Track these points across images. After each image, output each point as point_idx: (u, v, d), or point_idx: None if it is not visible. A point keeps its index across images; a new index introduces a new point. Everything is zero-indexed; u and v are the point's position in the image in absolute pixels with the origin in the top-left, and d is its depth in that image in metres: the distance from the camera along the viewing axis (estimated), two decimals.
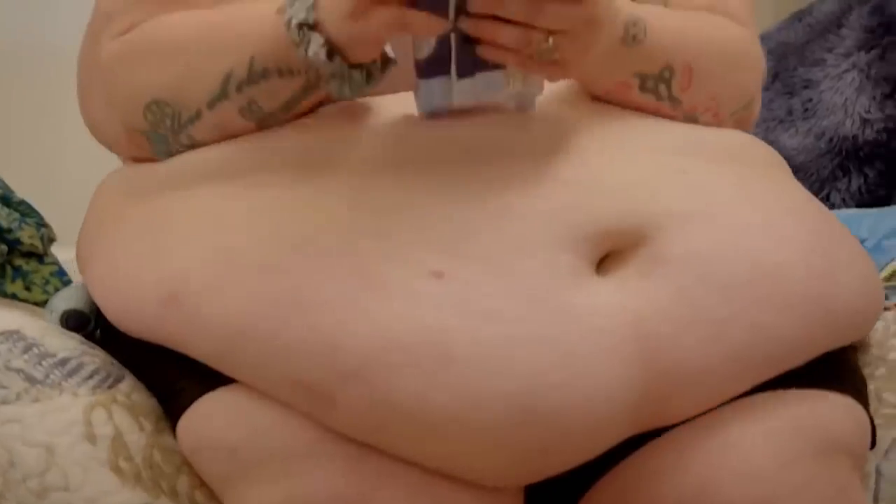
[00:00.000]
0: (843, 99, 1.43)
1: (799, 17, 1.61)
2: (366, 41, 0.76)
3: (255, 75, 0.80)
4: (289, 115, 0.82)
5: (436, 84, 0.77)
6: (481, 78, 0.78)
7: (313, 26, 0.76)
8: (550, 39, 0.75)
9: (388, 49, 0.79)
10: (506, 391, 0.70)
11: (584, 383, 0.71)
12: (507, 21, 0.73)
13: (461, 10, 0.73)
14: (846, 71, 1.45)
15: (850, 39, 1.48)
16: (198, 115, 0.83)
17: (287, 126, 0.83)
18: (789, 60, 1.46)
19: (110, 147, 0.91)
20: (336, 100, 0.81)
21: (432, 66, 0.77)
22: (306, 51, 0.76)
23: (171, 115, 0.84)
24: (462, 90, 0.78)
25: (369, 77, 0.78)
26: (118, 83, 0.87)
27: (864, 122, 1.41)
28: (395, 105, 0.81)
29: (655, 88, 0.87)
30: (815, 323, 0.78)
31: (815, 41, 1.52)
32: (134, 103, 0.85)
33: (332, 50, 0.76)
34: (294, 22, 0.76)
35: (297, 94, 0.81)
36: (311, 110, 0.84)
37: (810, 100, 1.46)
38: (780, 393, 0.77)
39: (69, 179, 1.26)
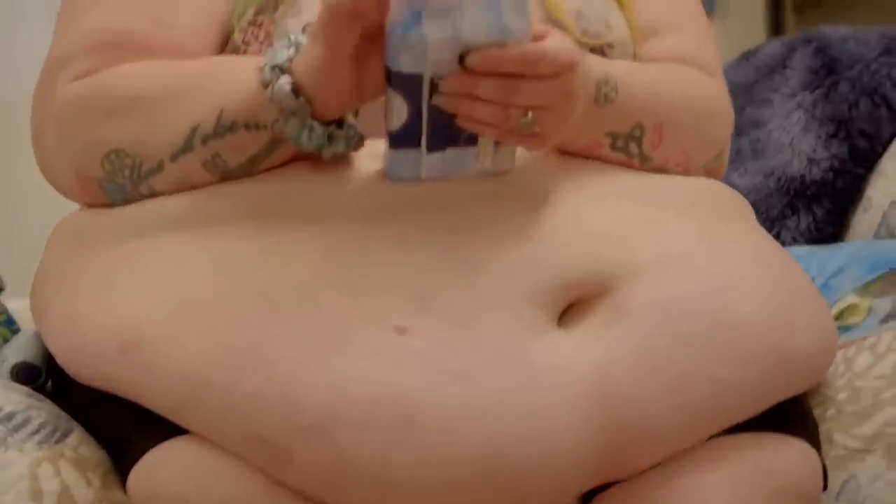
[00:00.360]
0: (790, 138, 1.44)
1: (746, 57, 1.64)
2: (332, 88, 0.75)
3: (223, 128, 0.80)
4: (251, 171, 0.81)
5: (405, 155, 0.77)
6: (451, 154, 0.77)
7: (285, 70, 0.76)
8: (529, 114, 0.74)
9: (351, 118, 0.79)
10: (469, 450, 0.70)
11: (546, 440, 0.71)
12: (487, 100, 0.73)
13: (435, 86, 0.73)
14: (792, 111, 1.46)
15: (794, 80, 1.50)
16: (159, 167, 0.82)
17: (259, 176, 0.82)
18: (738, 100, 1.47)
19: (63, 192, 0.90)
20: (296, 154, 0.80)
21: (403, 138, 0.76)
22: (273, 90, 0.76)
23: (130, 165, 0.83)
24: (431, 164, 0.77)
25: (331, 139, 0.77)
26: (74, 130, 0.85)
27: (811, 161, 1.42)
28: (362, 154, 0.81)
29: (626, 147, 0.87)
30: (774, 374, 0.78)
31: (761, 81, 1.54)
32: (91, 152, 0.84)
33: (298, 91, 0.75)
34: (269, 65, 0.76)
35: (262, 150, 0.80)
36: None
37: (758, 139, 1.48)
38: (736, 438, 0.77)
39: (19, 229, 1.24)
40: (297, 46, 0.77)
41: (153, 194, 0.83)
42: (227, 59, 0.86)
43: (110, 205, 0.86)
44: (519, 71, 0.72)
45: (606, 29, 0.90)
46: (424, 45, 0.71)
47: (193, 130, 0.80)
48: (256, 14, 0.86)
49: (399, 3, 0.71)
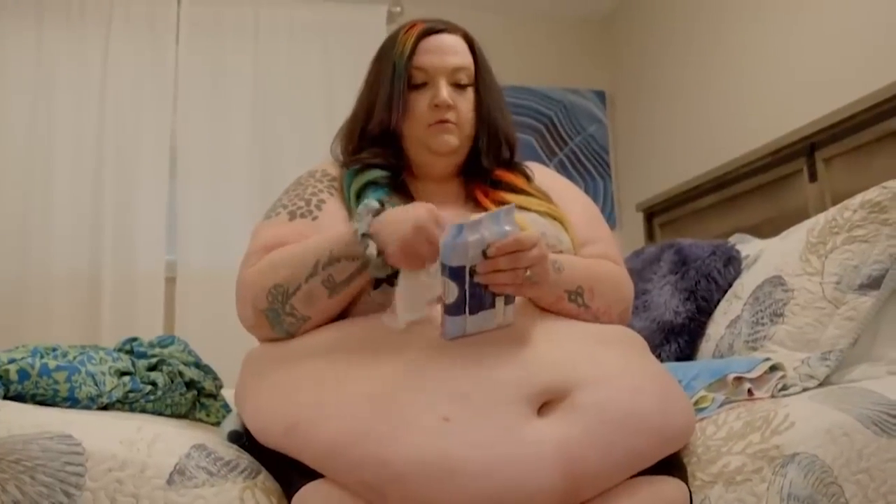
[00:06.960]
0: (664, 300, 1.44)
1: (636, 254, 1.66)
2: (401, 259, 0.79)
3: (333, 259, 0.83)
4: (348, 287, 0.84)
5: (457, 319, 0.77)
6: (482, 314, 0.78)
7: (370, 235, 0.81)
8: (528, 271, 0.78)
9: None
10: (486, 491, 0.69)
11: (531, 483, 0.71)
12: (503, 270, 0.77)
13: (472, 272, 0.76)
14: (664, 285, 1.46)
15: (665, 267, 1.49)
16: (298, 288, 0.84)
17: (361, 323, 0.84)
18: (633, 278, 1.49)
19: (249, 329, 0.92)
20: (372, 277, 0.84)
21: (454, 308, 0.77)
22: (366, 248, 0.80)
23: (282, 292, 0.85)
24: (472, 322, 0.78)
25: (388, 272, 0.82)
26: (253, 286, 0.88)
27: (676, 313, 1.41)
28: (424, 322, 0.83)
29: (575, 300, 0.89)
30: (662, 443, 0.79)
31: (646, 268, 1.55)
32: (263, 291, 0.87)
33: (380, 253, 0.80)
34: (360, 231, 0.81)
35: (354, 273, 0.83)
36: (357, 293, 0.85)
37: (646, 301, 1.47)
38: (641, 478, 0.78)
39: (230, 353, 1.25)
40: (372, 211, 0.81)
41: (293, 314, 0.85)
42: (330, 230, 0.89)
43: (273, 335, 0.87)
44: (516, 249, 0.76)
45: (559, 242, 0.94)
46: (466, 245, 0.74)
47: (317, 263, 0.84)
48: None
49: (449, 226, 0.75)
